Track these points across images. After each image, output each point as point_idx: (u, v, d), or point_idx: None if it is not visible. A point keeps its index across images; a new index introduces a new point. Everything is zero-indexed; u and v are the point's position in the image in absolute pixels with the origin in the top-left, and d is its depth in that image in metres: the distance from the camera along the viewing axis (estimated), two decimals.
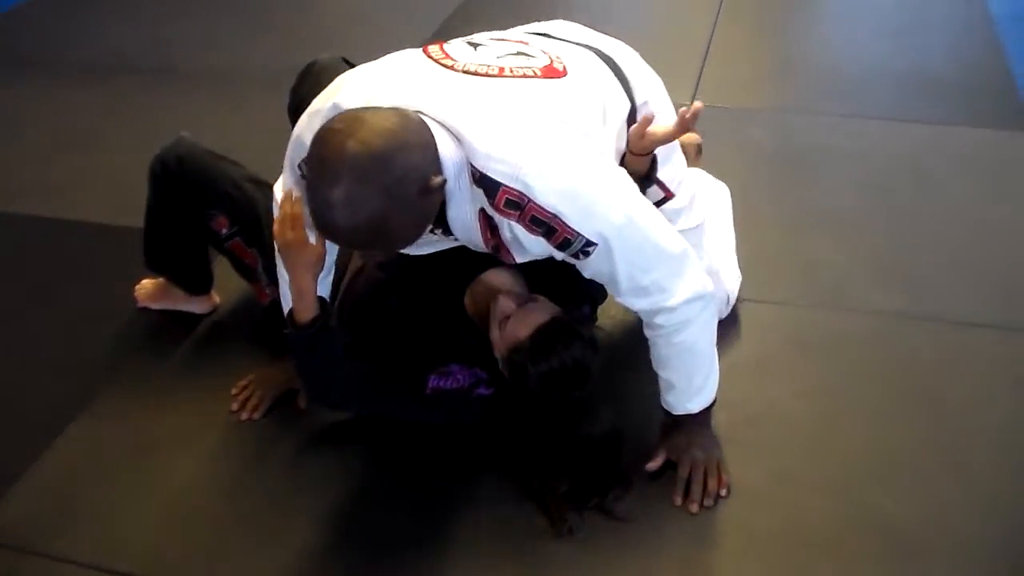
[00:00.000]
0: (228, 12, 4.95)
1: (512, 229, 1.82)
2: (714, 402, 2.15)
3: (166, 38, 4.63)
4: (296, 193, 1.96)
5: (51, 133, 3.78)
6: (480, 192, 1.79)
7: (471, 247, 1.99)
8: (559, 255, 1.87)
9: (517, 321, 2.05)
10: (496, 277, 2.28)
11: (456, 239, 1.97)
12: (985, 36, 4.44)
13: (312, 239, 1.97)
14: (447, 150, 1.76)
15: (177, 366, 2.53)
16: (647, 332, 2.05)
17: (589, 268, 1.90)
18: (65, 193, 3.34)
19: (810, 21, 4.85)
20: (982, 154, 3.48)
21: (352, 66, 2.71)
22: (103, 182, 3.38)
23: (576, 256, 1.86)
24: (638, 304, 1.97)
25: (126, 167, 3.37)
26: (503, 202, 1.78)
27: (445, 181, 1.75)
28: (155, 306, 2.68)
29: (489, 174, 1.76)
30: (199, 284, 2.61)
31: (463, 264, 2.28)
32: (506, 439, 2.17)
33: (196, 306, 2.65)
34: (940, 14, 4.72)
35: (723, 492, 2.13)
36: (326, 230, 1.73)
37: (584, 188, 1.81)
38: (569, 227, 1.80)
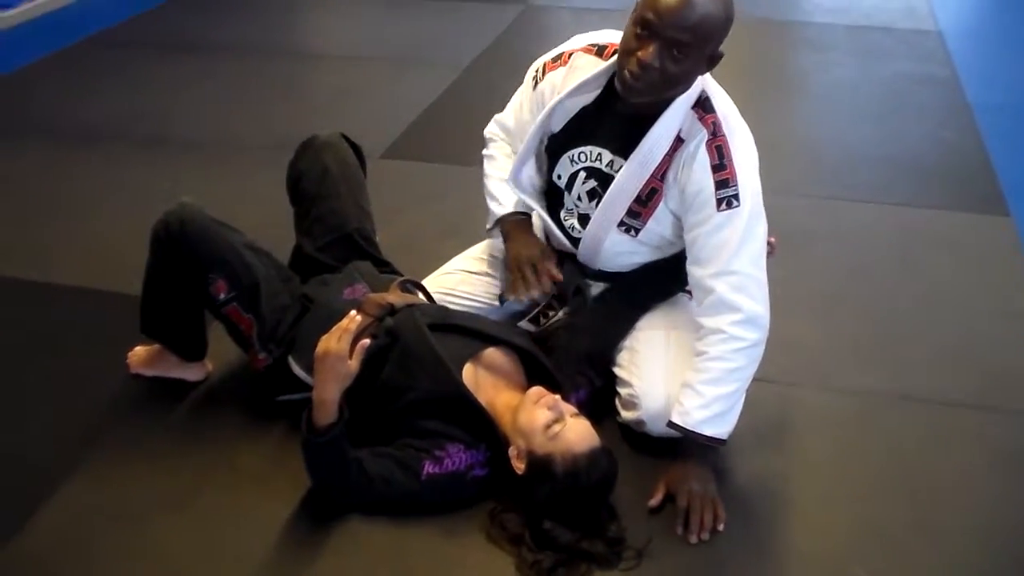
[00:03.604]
0: (224, 85, 5.01)
1: (692, 154, 2.17)
2: (722, 443, 2.24)
3: (163, 108, 4.68)
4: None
5: (43, 197, 3.79)
6: (693, 113, 2.18)
7: (611, 199, 2.28)
8: (710, 196, 2.16)
9: (574, 433, 2.12)
10: (499, 357, 2.34)
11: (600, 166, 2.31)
12: (964, 123, 4.55)
13: (354, 363, 2.07)
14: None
15: (169, 432, 2.50)
16: (701, 332, 2.23)
17: (718, 224, 2.17)
18: (56, 258, 3.32)
19: (791, 105, 4.95)
20: (962, 238, 3.55)
21: (351, 143, 2.76)
22: (94, 248, 3.38)
23: (720, 205, 2.16)
24: (719, 286, 2.17)
25: (118, 234, 3.41)
26: (710, 121, 2.18)
27: (721, 57, 2.11)
28: (148, 372, 2.67)
29: (712, 101, 2.20)
30: (194, 350, 2.61)
31: (461, 338, 2.32)
32: (495, 518, 2.20)
33: (190, 373, 2.65)
34: (919, 101, 4.84)
35: (720, 526, 2.19)
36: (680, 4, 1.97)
37: (752, 174, 2.21)
38: (736, 173, 2.16)
